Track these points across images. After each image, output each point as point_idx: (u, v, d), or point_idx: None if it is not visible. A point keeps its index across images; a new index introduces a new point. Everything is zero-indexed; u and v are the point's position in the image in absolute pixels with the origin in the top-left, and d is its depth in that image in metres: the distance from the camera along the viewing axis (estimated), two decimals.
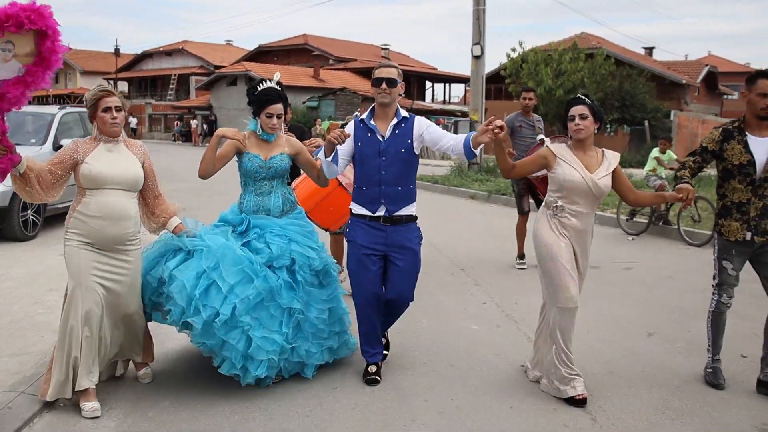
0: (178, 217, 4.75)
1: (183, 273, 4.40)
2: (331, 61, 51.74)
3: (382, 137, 4.78)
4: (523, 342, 5.67)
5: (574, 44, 31.11)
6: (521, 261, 8.69)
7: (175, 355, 5.18)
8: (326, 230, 6.86)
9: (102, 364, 4.45)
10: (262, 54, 54.43)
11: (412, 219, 4.90)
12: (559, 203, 4.62)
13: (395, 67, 4.86)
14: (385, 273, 4.91)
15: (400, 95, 4.82)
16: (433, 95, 58.96)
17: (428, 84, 57.87)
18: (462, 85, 55.41)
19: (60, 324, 4.29)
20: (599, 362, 5.24)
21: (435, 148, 4.90)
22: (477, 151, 4.61)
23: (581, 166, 4.57)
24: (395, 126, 4.79)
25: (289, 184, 5.95)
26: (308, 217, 6.14)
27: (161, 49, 61.34)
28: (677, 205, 10.77)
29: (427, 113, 38.62)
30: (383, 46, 57.09)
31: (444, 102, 55.96)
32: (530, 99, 8.72)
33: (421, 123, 4.87)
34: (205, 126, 45.34)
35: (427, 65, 59.40)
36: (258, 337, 4.40)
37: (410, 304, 5.01)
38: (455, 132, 37.60)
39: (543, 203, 4.80)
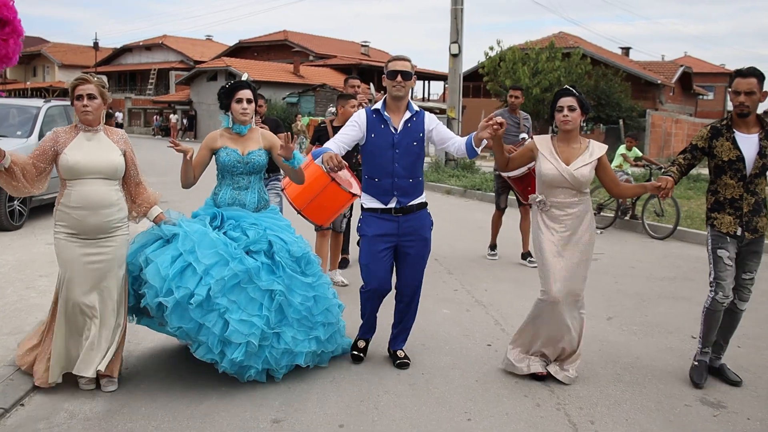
0: (159, 206, 4.81)
1: (158, 256, 4.46)
2: (311, 58, 51.95)
3: (395, 129, 4.83)
4: (491, 324, 6.10)
5: (551, 44, 31.54)
6: (492, 252, 9.08)
7: (164, 335, 5.48)
8: (318, 227, 6.96)
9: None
10: (242, 50, 54.59)
11: (423, 206, 4.98)
12: (539, 198, 4.78)
13: (409, 60, 4.88)
14: (396, 260, 5.03)
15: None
16: (412, 93, 59.05)
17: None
18: (441, 83, 55.81)
19: (58, 313, 4.49)
20: None
21: (441, 147, 5.03)
22: (479, 150, 4.76)
23: (558, 160, 4.70)
24: (408, 120, 4.86)
25: (266, 178, 6.04)
26: (301, 215, 6.43)
27: (141, 43, 61.23)
28: (643, 198, 11.29)
29: None
30: (363, 43, 57.36)
31: (423, 99, 56.28)
32: (517, 97, 8.87)
33: (431, 119, 4.97)
34: (185, 121, 45.44)
35: None
36: (235, 320, 4.40)
37: (417, 294, 5.11)
38: None
39: (530, 200, 4.98)
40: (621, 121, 30.92)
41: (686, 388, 4.82)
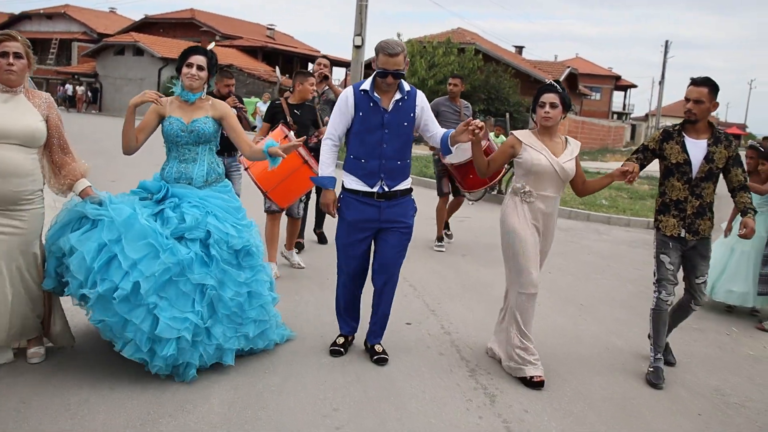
0: (87, 179, 4.45)
1: (84, 244, 4.16)
2: (217, 38, 52.54)
3: (385, 109, 4.61)
4: (424, 310, 6.32)
5: (448, 39, 33.82)
6: (440, 243, 9.01)
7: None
8: (275, 209, 6.82)
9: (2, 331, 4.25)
10: (149, 25, 54.47)
11: (408, 192, 4.79)
12: (527, 189, 4.70)
13: (401, 52, 4.52)
14: (375, 243, 4.86)
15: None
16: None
17: (311, 66, 59.67)
18: (344, 69, 57.34)
19: None
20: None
21: (420, 130, 4.86)
22: (453, 149, 4.72)
23: (548, 151, 4.67)
24: (399, 99, 4.65)
25: (220, 153, 6.10)
26: (267, 197, 6.43)
27: (41, 11, 60.05)
28: (508, 176, 13.46)
29: None
30: (269, 26, 58.39)
31: None
32: (455, 85, 8.82)
33: (422, 99, 4.78)
34: (89, 93, 45.58)
35: (311, 47, 61.10)
36: (166, 317, 4.16)
37: (394, 279, 4.89)
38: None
39: (510, 189, 4.87)
40: (507, 115, 33.58)
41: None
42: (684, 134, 4.96)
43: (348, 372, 4.71)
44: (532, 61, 49.67)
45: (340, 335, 5.09)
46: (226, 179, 4.95)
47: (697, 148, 4.89)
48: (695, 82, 4.88)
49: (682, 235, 4.91)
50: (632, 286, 7.90)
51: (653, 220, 5.14)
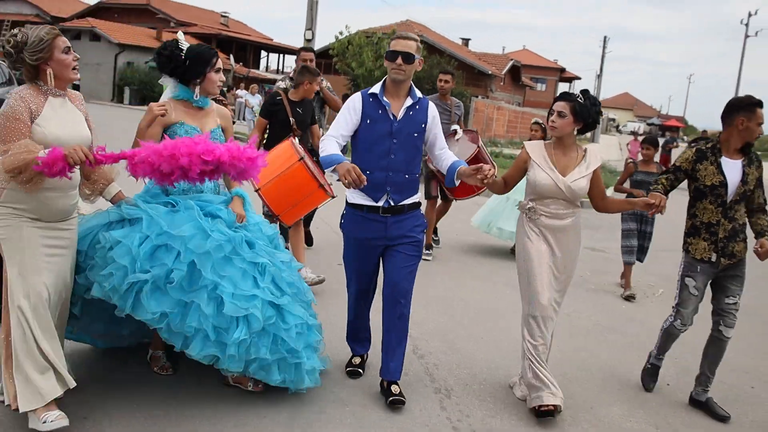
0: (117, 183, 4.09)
1: (127, 238, 3.80)
2: (172, 24, 53.26)
3: (394, 117, 4.29)
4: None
5: (393, 30, 35.52)
6: (427, 252, 8.33)
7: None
8: (276, 219, 5.66)
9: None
10: (103, 10, 54.73)
11: (416, 206, 4.47)
12: (530, 205, 4.44)
13: (414, 40, 4.28)
14: (383, 260, 4.51)
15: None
16: (267, 65, 62.09)
17: (263, 53, 60.98)
18: (295, 57, 58.52)
19: (7, 320, 3.54)
20: None
21: (428, 145, 4.50)
22: (457, 183, 4.35)
23: (553, 169, 4.37)
24: (409, 107, 4.33)
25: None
26: (259, 194, 5.48)
27: None
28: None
29: (261, 82, 42.16)
30: (223, 14, 59.31)
31: (277, 71, 58.77)
32: (446, 82, 8.23)
33: (434, 111, 4.46)
34: None
35: (264, 35, 62.22)
36: (229, 294, 3.78)
37: (407, 302, 4.44)
38: None
39: (518, 206, 4.59)
40: None
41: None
42: (721, 154, 4.68)
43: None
44: (478, 53, 51.68)
45: (354, 356, 4.84)
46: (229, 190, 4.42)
47: (733, 169, 4.64)
48: (762, 104, 4.62)
49: (713, 259, 4.67)
50: None
51: (682, 242, 4.86)
